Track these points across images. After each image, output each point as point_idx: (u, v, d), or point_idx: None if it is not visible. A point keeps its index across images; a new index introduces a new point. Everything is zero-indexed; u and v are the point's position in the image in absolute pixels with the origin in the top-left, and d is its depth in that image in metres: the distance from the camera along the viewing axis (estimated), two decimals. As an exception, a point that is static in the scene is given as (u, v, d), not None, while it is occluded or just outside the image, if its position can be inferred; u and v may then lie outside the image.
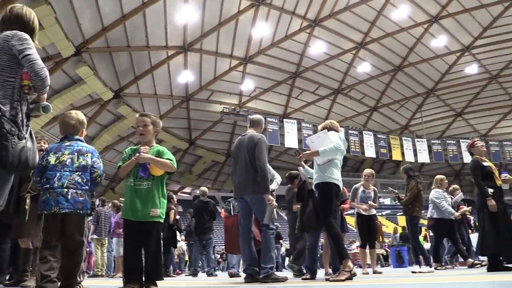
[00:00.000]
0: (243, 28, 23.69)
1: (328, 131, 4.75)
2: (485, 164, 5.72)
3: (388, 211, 39.81)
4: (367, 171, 7.67)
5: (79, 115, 3.26)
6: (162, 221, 3.16)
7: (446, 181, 8.11)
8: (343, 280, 4.04)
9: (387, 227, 31.83)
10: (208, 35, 23.29)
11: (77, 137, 3.13)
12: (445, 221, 7.70)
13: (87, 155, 3.02)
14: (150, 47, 22.55)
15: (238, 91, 28.85)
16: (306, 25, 24.91)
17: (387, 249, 17.60)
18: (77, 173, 2.92)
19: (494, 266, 5.53)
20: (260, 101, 29.95)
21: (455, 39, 26.92)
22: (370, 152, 29.19)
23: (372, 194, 7.30)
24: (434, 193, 7.83)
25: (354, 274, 4.30)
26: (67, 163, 2.93)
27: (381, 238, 15.30)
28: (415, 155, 30.29)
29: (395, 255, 13.50)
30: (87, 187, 2.94)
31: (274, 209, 4.99)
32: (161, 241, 3.14)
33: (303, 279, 5.36)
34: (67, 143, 3.06)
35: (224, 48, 25.00)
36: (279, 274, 5.10)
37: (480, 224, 5.75)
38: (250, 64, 26.47)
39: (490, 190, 5.40)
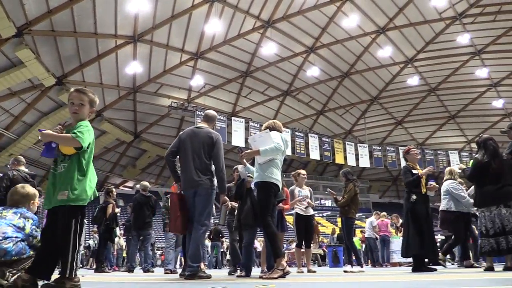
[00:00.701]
0: (196, 23, 23.48)
1: (271, 130, 4.84)
2: (415, 172, 6.13)
3: (329, 213, 40.98)
4: (298, 171, 7.91)
5: (26, 188, 3.33)
6: (78, 204, 2.64)
7: (460, 170, 7.52)
8: (275, 278, 4.14)
9: (327, 228, 32.79)
10: (159, 27, 22.88)
11: (22, 207, 3.26)
12: (464, 214, 7.08)
13: (28, 220, 3.10)
14: (98, 35, 21.80)
15: (187, 86, 28.56)
16: (259, 25, 25.12)
17: (325, 249, 18.12)
18: (11, 229, 3.00)
19: (418, 267, 5.92)
20: (209, 97, 29.85)
21: (400, 51, 28.21)
22: (314, 155, 29.94)
23: (308, 193, 7.52)
24: (451, 184, 7.21)
25: (287, 273, 4.39)
26: (7, 218, 3.06)
27: (317, 238, 15.72)
28: (357, 159, 31.45)
29: (332, 255, 13.93)
30: (16, 239, 2.97)
31: (213, 207, 5.01)
32: (73, 232, 2.58)
33: (237, 276, 5.44)
34: (13, 209, 3.22)
35: (175, 42, 24.66)
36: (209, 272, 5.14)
37: (405, 227, 6.13)
38: (201, 59, 26.29)
39: (413, 197, 5.87)
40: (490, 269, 5.33)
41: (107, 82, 25.50)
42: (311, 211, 7.44)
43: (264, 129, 4.93)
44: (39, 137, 2.88)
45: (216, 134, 4.92)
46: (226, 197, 5.24)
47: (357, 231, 23.01)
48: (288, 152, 28.22)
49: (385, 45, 27.06)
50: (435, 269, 6.24)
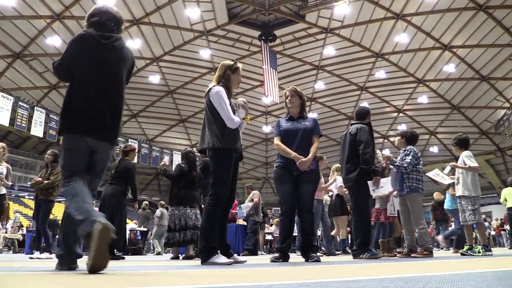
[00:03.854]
0: None
1: None
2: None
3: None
4: None
5: None
6: None
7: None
8: None
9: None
10: None
11: None
12: None
13: None
14: None
15: None
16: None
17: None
18: None
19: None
20: None
21: (149, 47, 28.81)
22: (37, 131, 27.15)
23: (5, 171, 6.74)
24: None
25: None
26: None
27: (6, 221, 14.26)
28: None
29: (30, 241, 12.94)
30: None
31: None
32: None
33: None
34: None
35: None
36: None
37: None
38: None
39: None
40: (175, 258, 6.28)
41: None
42: (3, 190, 6.66)
43: None
44: None
45: None
46: None
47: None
48: (5, 122, 24.84)
49: (136, 37, 27.16)
50: (124, 257, 6.64)
